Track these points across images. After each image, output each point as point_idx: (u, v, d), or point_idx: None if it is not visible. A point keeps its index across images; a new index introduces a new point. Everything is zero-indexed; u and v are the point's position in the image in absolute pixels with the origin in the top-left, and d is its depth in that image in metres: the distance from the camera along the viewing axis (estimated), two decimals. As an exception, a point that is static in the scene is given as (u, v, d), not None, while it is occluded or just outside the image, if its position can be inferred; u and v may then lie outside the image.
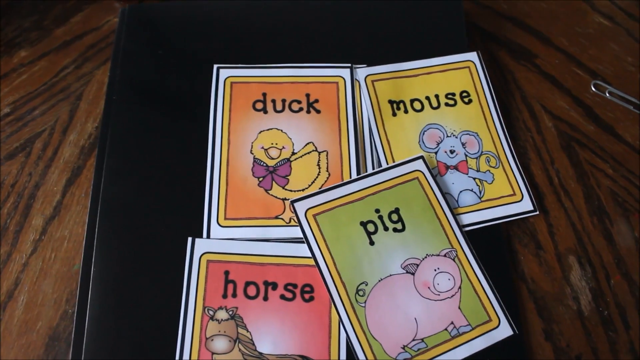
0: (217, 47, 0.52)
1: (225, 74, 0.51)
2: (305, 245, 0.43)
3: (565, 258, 0.46)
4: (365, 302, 0.42)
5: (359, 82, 0.51)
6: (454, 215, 0.45)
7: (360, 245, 0.44)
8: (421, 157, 0.47)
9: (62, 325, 0.42)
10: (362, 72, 0.51)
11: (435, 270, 0.43)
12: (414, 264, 0.43)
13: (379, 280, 0.43)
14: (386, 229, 0.44)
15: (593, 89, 0.55)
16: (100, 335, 0.41)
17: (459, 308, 0.42)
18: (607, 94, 0.54)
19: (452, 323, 0.42)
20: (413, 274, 0.43)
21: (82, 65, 0.53)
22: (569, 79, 0.55)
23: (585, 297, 0.45)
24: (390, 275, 0.43)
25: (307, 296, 0.43)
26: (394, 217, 0.45)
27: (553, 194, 0.49)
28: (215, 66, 0.51)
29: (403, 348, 0.41)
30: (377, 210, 0.45)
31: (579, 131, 0.52)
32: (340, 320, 0.41)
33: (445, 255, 0.44)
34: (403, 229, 0.44)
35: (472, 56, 0.53)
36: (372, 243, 0.44)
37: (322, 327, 0.42)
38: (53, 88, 0.52)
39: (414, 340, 0.41)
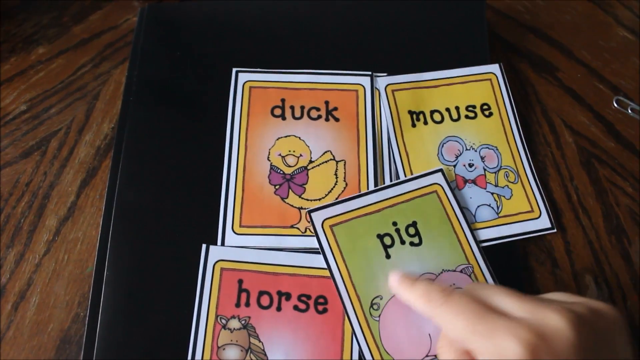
0: (236, 50, 0.52)
1: (244, 78, 0.50)
2: (320, 256, 0.43)
3: (581, 277, 0.46)
4: (379, 316, 0.42)
5: (378, 90, 0.50)
6: (472, 231, 0.45)
7: (377, 258, 0.43)
8: (440, 170, 0.46)
9: (74, 328, 0.42)
10: (382, 81, 0.50)
11: (451, 286, 0.43)
12: (430, 279, 0.43)
13: (394, 295, 0.42)
14: (403, 242, 0.44)
15: (615, 104, 0.54)
16: (111, 340, 0.40)
17: None
18: (629, 111, 0.53)
19: None
20: None
21: (100, 64, 0.53)
22: (591, 93, 0.54)
23: (601, 318, 0.44)
24: None
25: (320, 308, 0.42)
26: (411, 230, 0.44)
27: (571, 211, 0.49)
28: (234, 70, 0.50)
29: None
30: (395, 223, 0.44)
31: (599, 148, 0.52)
32: (354, 333, 0.41)
33: (461, 271, 0.43)
34: (420, 243, 0.44)
35: (494, 68, 0.52)
36: (388, 256, 0.43)
37: (335, 340, 0.41)
38: (70, 86, 0.52)
39: (427, 356, 0.41)
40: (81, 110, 0.51)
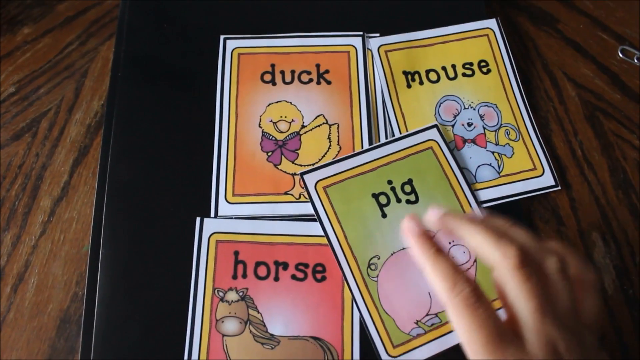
0: (224, 18, 0.51)
1: (232, 45, 0.49)
2: (316, 224, 0.42)
3: (588, 234, 0.45)
4: (377, 277, 0.41)
5: (371, 51, 0.49)
6: (469, 185, 0.44)
7: (372, 218, 0.42)
8: (435, 125, 0.45)
9: (73, 307, 0.42)
10: (375, 42, 0.49)
11: (449, 243, 0.42)
12: (430, 234, 0.42)
13: (392, 254, 0.41)
14: (399, 200, 0.43)
15: (620, 54, 0.52)
16: (110, 317, 0.40)
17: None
18: (636, 60, 0.51)
19: None
20: None
21: (87, 42, 0.52)
22: (594, 44, 0.52)
23: (609, 275, 0.43)
24: (403, 248, 0.42)
25: (319, 276, 0.42)
26: (407, 188, 0.43)
27: (576, 167, 0.47)
28: (222, 37, 0.49)
29: (416, 323, 0.40)
30: (390, 182, 0.43)
31: (604, 100, 0.50)
32: (352, 295, 0.40)
33: None
34: (416, 201, 0.43)
35: (491, 23, 0.50)
36: (384, 215, 0.42)
37: (335, 308, 0.41)
38: (57, 66, 0.51)
39: (427, 315, 0.40)
40: (70, 89, 0.50)
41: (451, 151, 0.45)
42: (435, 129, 0.45)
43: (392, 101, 0.47)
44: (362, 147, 0.45)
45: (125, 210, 0.43)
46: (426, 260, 0.33)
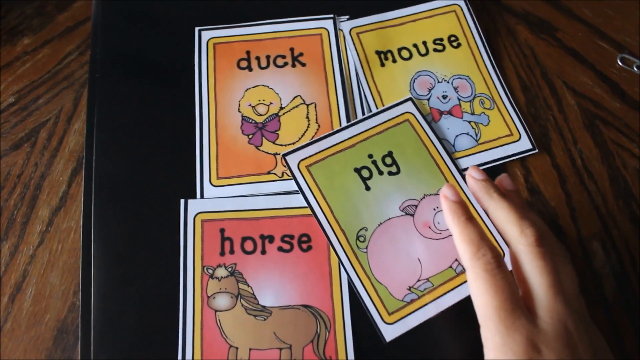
0: (196, 10, 0.52)
1: (207, 35, 0.50)
2: (298, 195, 0.43)
3: (589, 244, 0.44)
4: (366, 248, 0.42)
5: (342, 32, 0.50)
6: (449, 154, 0.45)
7: (356, 191, 0.43)
8: (410, 98, 0.47)
9: (70, 317, 0.42)
10: (346, 25, 0.50)
11: (434, 209, 0.43)
12: (413, 205, 0.43)
13: (379, 225, 0.42)
14: (381, 173, 0.44)
15: (619, 63, 0.51)
16: (106, 309, 0.41)
17: None
18: (635, 68, 0.51)
19: (456, 260, 0.41)
20: (412, 215, 0.43)
21: (86, 52, 0.52)
22: (593, 52, 0.52)
23: (610, 285, 0.43)
24: (390, 218, 0.42)
25: (304, 246, 0.42)
26: (388, 160, 0.44)
27: (576, 175, 0.47)
28: (196, 29, 0.51)
29: (409, 289, 0.41)
30: (370, 156, 0.44)
31: (603, 109, 0.50)
32: (344, 268, 0.41)
33: None
34: (398, 172, 0.44)
35: None
36: (368, 188, 0.43)
37: (323, 275, 0.41)
38: (57, 76, 0.51)
39: (419, 280, 0.41)
40: (69, 99, 0.50)
41: (428, 123, 0.46)
42: (410, 102, 0.46)
43: (367, 80, 0.48)
44: (340, 124, 0.46)
45: (113, 205, 0.44)
46: (456, 226, 0.35)
